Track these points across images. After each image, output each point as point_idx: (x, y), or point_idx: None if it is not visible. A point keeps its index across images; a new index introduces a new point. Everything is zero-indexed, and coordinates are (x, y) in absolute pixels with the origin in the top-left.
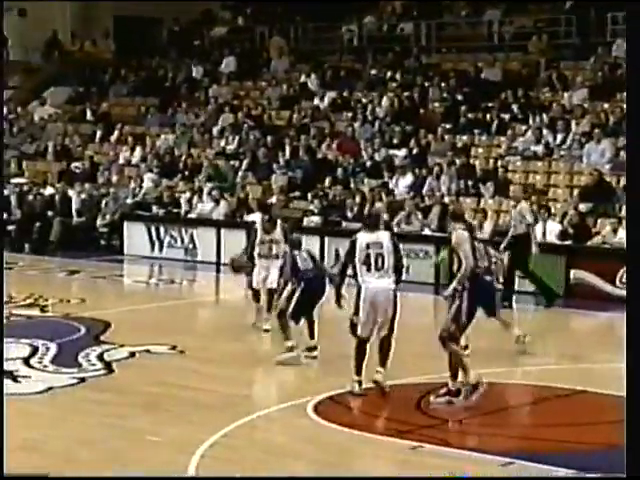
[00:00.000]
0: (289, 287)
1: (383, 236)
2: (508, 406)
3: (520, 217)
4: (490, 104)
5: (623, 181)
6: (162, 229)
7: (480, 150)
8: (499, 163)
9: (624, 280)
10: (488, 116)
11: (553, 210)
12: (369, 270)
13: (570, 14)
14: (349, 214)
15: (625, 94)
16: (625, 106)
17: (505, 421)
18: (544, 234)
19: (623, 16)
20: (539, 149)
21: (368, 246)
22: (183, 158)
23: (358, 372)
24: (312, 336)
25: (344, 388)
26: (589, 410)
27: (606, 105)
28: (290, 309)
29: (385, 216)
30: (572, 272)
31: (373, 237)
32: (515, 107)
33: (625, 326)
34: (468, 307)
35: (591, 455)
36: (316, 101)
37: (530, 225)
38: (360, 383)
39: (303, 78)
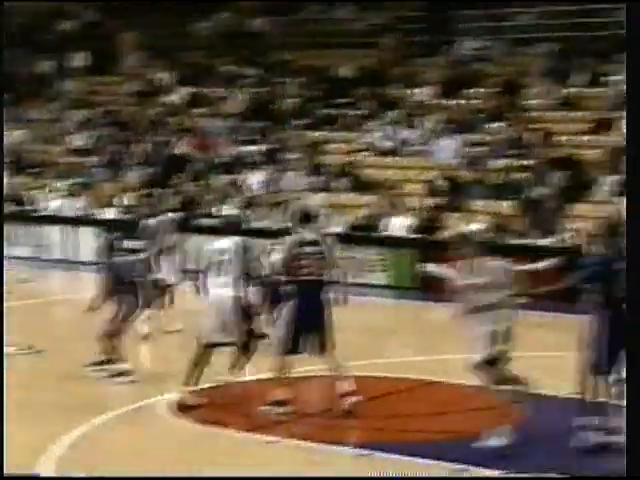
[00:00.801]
0: None
1: (231, 242)
2: (364, 399)
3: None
4: (343, 100)
5: (472, 176)
6: (11, 226)
7: (334, 146)
8: (352, 159)
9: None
10: (341, 112)
11: (405, 205)
12: (216, 276)
13: (420, 12)
14: (204, 210)
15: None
16: (627, 106)
17: (361, 413)
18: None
19: (472, 14)
20: (391, 145)
21: (219, 252)
22: (34, 154)
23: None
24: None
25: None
26: (444, 400)
27: (455, 101)
28: None
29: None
30: (423, 265)
31: (224, 243)
32: (368, 103)
33: (625, 333)
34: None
35: (446, 444)
36: (171, 97)
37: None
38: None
39: (158, 74)
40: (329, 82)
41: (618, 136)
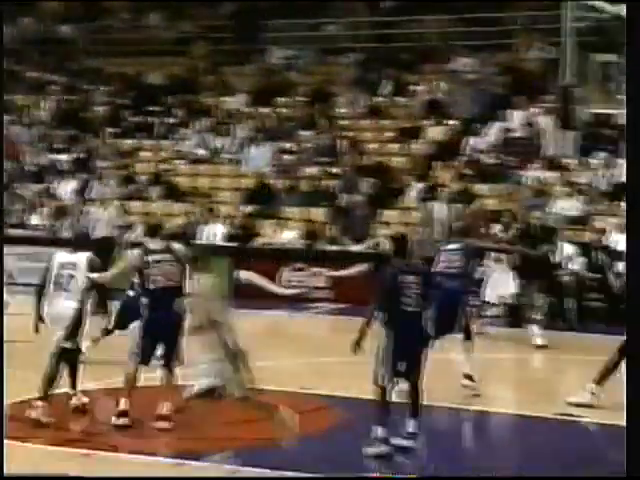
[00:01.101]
0: None
1: (81, 257)
2: (177, 408)
3: None
4: (154, 108)
5: (284, 183)
6: None
7: (145, 154)
8: (165, 167)
9: (287, 278)
10: (153, 120)
11: (219, 213)
12: (57, 290)
13: (230, 20)
14: (12, 220)
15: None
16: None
17: (176, 423)
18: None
19: (281, 24)
20: (204, 153)
21: (62, 266)
22: None
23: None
24: None
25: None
26: (260, 407)
27: (266, 109)
28: None
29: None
30: (238, 273)
31: (71, 257)
32: (179, 111)
33: (625, 333)
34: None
35: (257, 450)
36: None
37: None
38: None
39: None
40: (139, 90)
41: (424, 144)
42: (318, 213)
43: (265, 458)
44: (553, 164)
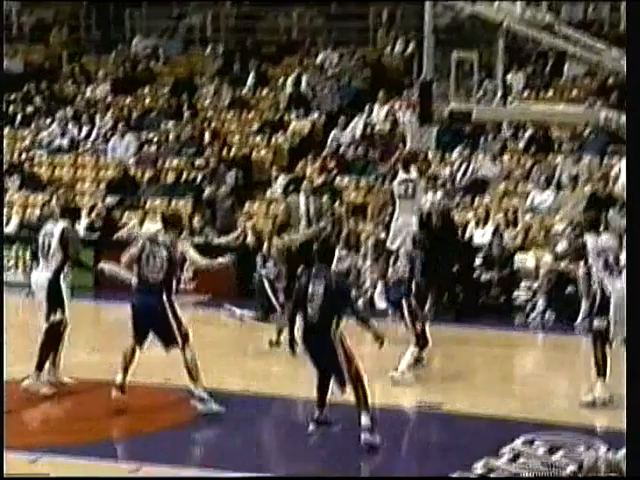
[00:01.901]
0: None
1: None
2: (31, 403)
3: None
4: (13, 96)
5: (147, 174)
6: None
7: (4, 142)
8: (24, 156)
9: None
10: (11, 108)
11: (81, 204)
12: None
13: (89, 8)
14: None
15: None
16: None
17: (31, 417)
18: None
19: (144, 13)
20: (64, 142)
21: (44, 235)
22: None
23: None
24: None
25: None
26: (123, 399)
27: (128, 99)
28: None
29: None
30: (101, 264)
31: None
32: (39, 100)
33: (628, 329)
34: None
35: (123, 443)
36: None
37: None
38: None
39: None
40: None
41: (288, 137)
42: (182, 204)
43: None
44: (414, 158)
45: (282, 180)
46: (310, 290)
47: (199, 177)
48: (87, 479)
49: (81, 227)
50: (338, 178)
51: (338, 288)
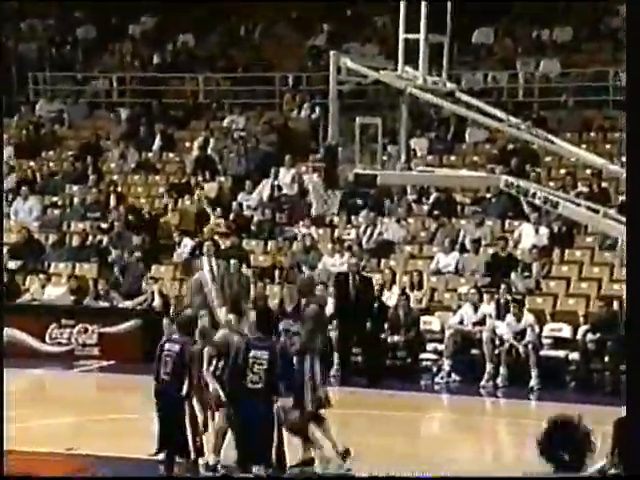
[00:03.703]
0: None
1: None
2: None
3: None
4: None
5: (51, 238)
6: None
7: None
8: None
9: (54, 336)
10: None
11: None
12: None
13: None
14: None
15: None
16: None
17: None
18: None
19: (49, 76)
20: None
21: None
22: None
23: None
24: None
25: None
26: (23, 469)
27: (32, 162)
28: None
29: None
30: (4, 330)
31: None
32: None
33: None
34: None
35: None
36: None
37: None
38: None
39: None
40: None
41: (193, 200)
42: (87, 268)
43: None
44: (320, 221)
45: (187, 243)
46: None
47: (105, 240)
48: (86, 479)
49: None
50: (245, 241)
51: None
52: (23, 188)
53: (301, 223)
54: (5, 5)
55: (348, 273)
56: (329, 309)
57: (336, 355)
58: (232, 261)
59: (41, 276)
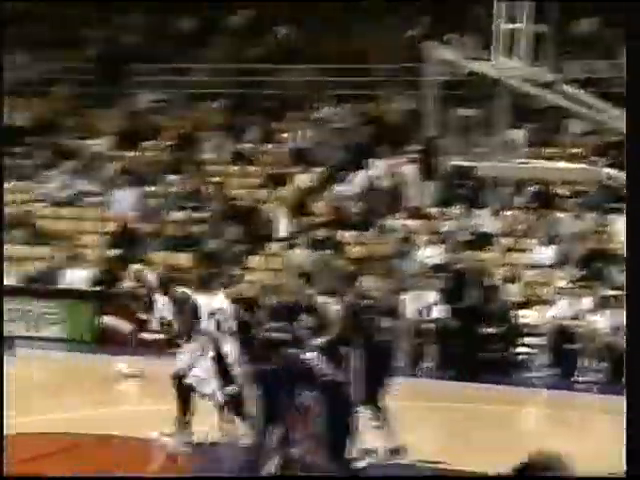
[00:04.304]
0: None
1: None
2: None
3: None
4: (17, 149)
5: (150, 227)
6: None
7: (8, 196)
8: (28, 209)
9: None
10: (15, 162)
11: (83, 256)
12: None
13: (94, 63)
14: None
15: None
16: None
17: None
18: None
19: (148, 68)
20: (67, 195)
21: None
22: None
23: None
24: None
25: None
26: (121, 454)
27: (132, 153)
28: None
29: None
30: (102, 318)
31: None
32: (42, 153)
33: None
34: None
35: None
36: None
37: None
38: None
39: None
40: (2, 130)
41: (290, 190)
42: (183, 258)
43: None
44: (416, 213)
45: (284, 234)
46: None
47: (200, 230)
48: (86, 479)
49: (82, 279)
50: (339, 232)
51: None
52: (122, 178)
53: (397, 214)
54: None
55: (451, 265)
56: (428, 301)
57: (433, 347)
58: (327, 252)
59: (138, 265)
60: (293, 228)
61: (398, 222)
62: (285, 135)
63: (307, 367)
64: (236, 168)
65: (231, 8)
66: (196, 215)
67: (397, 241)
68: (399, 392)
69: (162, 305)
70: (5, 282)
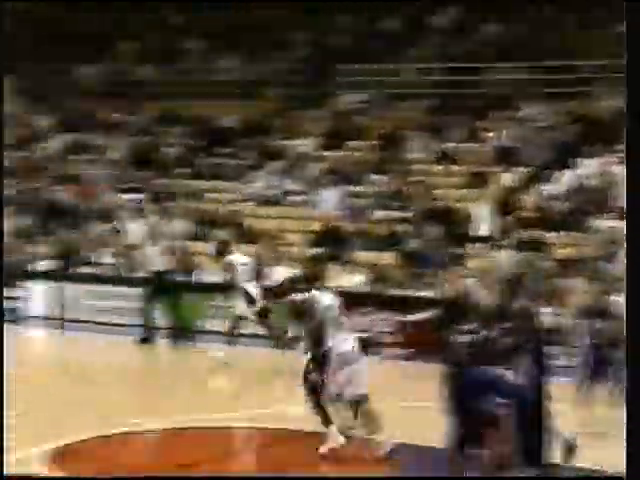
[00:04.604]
0: None
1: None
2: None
3: None
4: (226, 150)
5: (353, 227)
6: None
7: (216, 195)
8: (234, 208)
9: (355, 323)
10: (224, 162)
11: (287, 255)
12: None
13: (302, 64)
14: (83, 259)
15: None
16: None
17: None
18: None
19: (353, 68)
20: (273, 194)
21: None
22: None
23: None
24: None
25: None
26: None
27: (337, 153)
28: None
29: None
30: None
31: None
32: (250, 154)
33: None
34: None
35: None
36: (50, 143)
37: None
38: None
39: (37, 119)
40: (212, 132)
41: (494, 189)
42: (387, 257)
43: None
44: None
45: (486, 234)
46: None
47: (404, 230)
48: (85, 479)
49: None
50: (544, 233)
51: None
52: (327, 178)
53: (605, 215)
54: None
55: None
56: None
57: None
58: (532, 253)
59: (342, 264)
60: (497, 228)
61: (605, 223)
62: (489, 134)
63: (503, 373)
64: (440, 167)
65: (437, 6)
66: (400, 215)
67: (604, 242)
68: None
69: (256, 295)
70: (211, 280)
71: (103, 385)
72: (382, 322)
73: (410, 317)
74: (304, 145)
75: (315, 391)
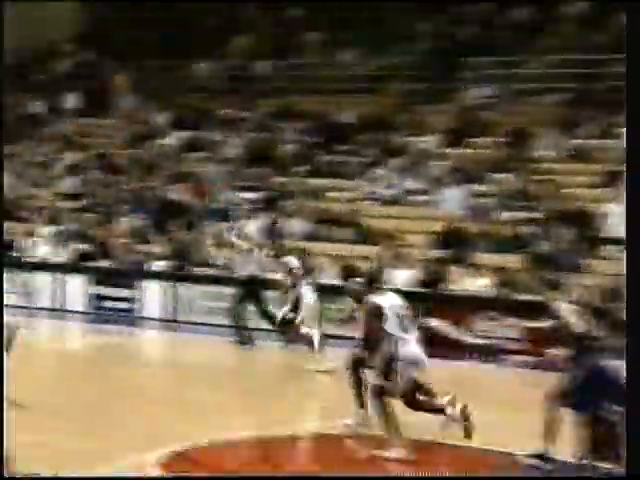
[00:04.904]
0: None
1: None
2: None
3: None
4: (345, 147)
5: (477, 228)
6: None
7: (334, 193)
8: (354, 207)
9: (477, 328)
10: (343, 159)
11: (408, 256)
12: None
13: (426, 57)
14: (198, 259)
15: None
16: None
17: None
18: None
19: (480, 61)
20: (394, 193)
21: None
22: (23, 198)
23: None
24: None
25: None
26: None
27: (461, 150)
28: None
29: None
30: (428, 320)
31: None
32: (371, 151)
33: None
34: None
35: None
36: (166, 140)
37: None
38: None
39: (153, 116)
40: (331, 128)
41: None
42: (513, 260)
43: None
44: None
45: (620, 236)
46: None
47: (532, 231)
48: (87, 479)
49: (407, 279)
50: None
51: None
52: (450, 176)
53: None
54: None
55: None
56: None
57: None
58: None
59: (465, 266)
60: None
61: None
62: (624, 130)
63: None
64: (571, 166)
65: None
66: (527, 215)
67: None
68: None
69: (309, 299)
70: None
71: (214, 388)
72: (507, 328)
73: (535, 323)
74: (427, 142)
75: (380, 395)
